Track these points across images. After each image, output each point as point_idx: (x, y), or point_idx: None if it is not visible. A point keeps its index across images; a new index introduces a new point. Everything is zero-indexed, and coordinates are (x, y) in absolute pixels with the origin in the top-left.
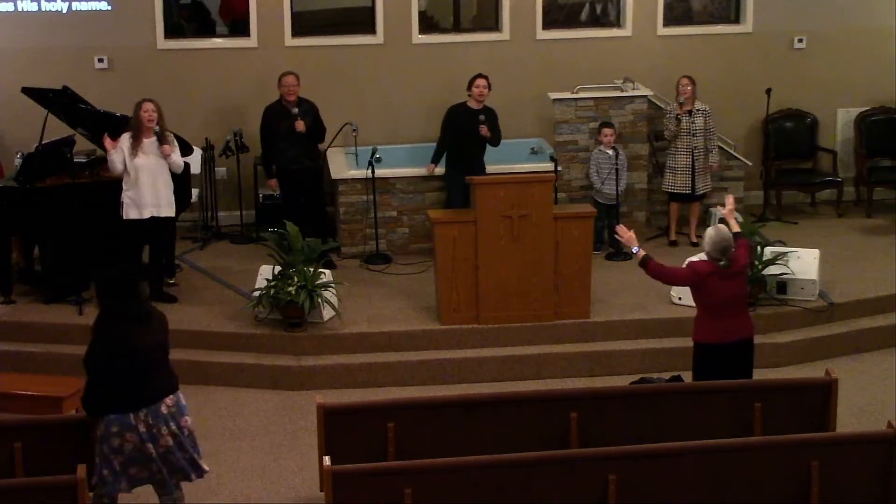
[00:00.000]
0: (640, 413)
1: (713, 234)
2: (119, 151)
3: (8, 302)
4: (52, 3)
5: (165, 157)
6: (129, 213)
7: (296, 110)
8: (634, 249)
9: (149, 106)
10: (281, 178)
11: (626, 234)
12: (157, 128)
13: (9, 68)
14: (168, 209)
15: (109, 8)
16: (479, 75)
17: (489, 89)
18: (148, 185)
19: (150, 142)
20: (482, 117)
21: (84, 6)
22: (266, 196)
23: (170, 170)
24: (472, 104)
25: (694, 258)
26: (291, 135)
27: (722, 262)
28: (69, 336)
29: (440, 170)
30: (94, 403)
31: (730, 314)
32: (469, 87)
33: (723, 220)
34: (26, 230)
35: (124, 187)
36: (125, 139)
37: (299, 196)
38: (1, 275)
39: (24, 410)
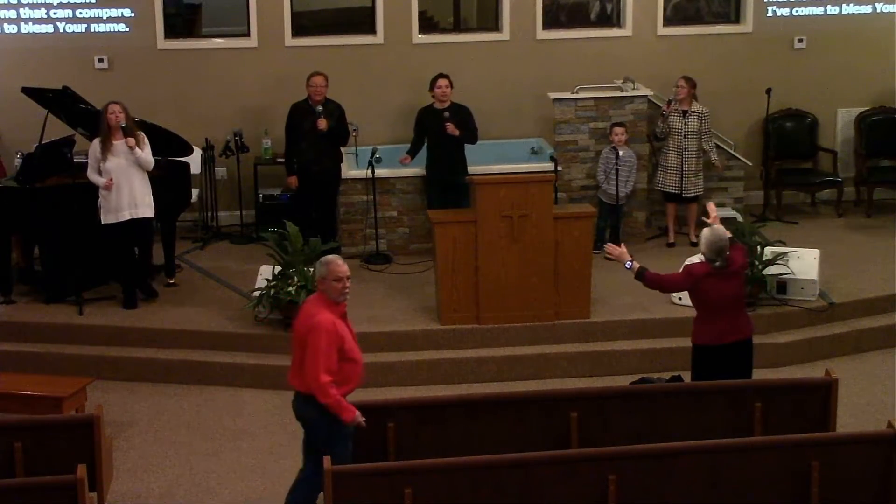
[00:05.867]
0: (640, 413)
1: (709, 235)
2: (92, 157)
3: (8, 302)
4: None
5: (130, 149)
6: (107, 217)
7: (319, 109)
8: (628, 265)
9: (115, 107)
10: (299, 177)
11: (615, 250)
12: (123, 123)
13: (9, 68)
14: (145, 210)
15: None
16: (441, 75)
17: (451, 88)
18: (122, 186)
19: (119, 143)
20: (447, 114)
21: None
22: (266, 196)
23: (146, 169)
24: (437, 105)
25: (692, 259)
26: (313, 134)
27: (717, 263)
28: (69, 336)
29: (418, 170)
30: None
31: (727, 315)
32: (431, 88)
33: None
34: (26, 230)
35: (100, 192)
36: (95, 145)
37: (313, 195)
38: (1, 275)
39: (24, 410)
